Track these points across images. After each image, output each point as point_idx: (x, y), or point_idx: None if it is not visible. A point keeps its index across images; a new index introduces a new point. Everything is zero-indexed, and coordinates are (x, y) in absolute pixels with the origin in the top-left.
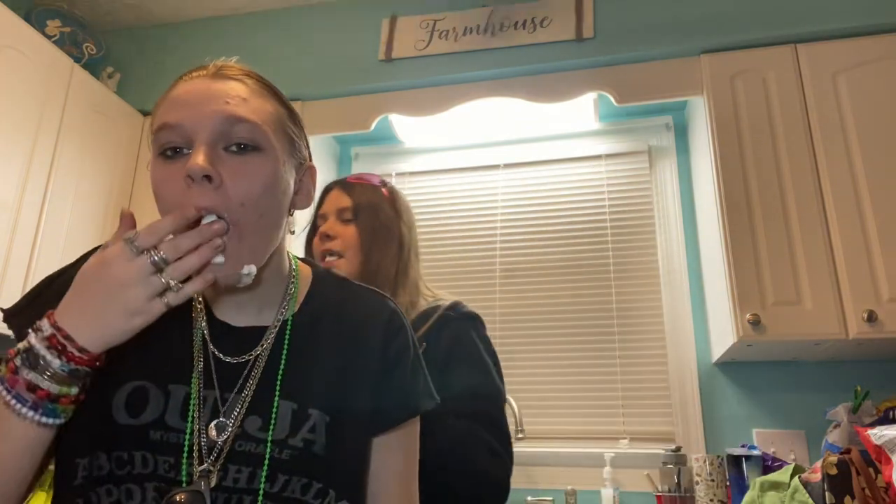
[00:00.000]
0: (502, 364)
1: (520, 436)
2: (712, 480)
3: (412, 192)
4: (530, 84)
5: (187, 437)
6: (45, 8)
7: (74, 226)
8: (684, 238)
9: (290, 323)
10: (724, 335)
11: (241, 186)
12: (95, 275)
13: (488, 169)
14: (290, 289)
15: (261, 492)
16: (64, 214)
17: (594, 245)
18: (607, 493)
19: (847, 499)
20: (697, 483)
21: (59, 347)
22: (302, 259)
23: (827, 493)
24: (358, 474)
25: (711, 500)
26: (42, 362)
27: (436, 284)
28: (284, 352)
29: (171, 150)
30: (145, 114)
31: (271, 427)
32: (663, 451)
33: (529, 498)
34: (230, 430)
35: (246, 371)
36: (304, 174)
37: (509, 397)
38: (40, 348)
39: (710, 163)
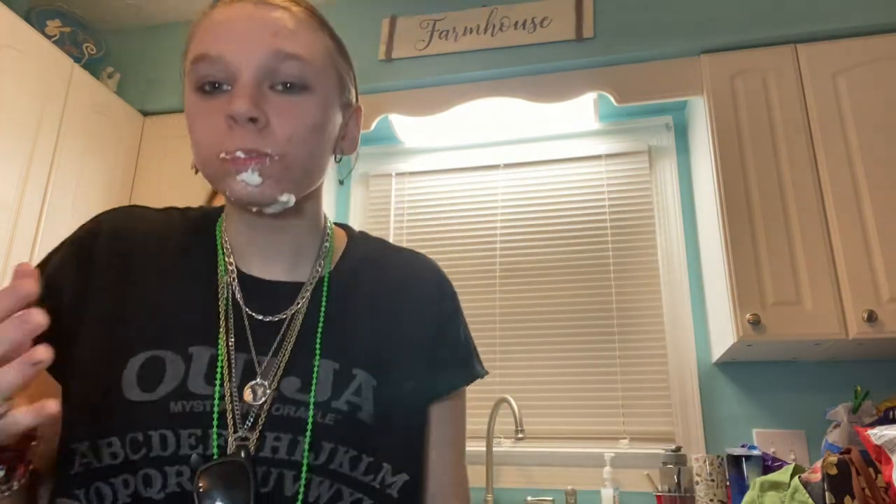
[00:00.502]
0: (503, 364)
1: (520, 436)
2: (712, 480)
3: (412, 192)
4: (530, 84)
5: (216, 401)
6: (45, 8)
7: (74, 226)
8: (684, 238)
9: (327, 279)
10: (724, 335)
11: (288, 127)
12: None
13: (488, 169)
14: (326, 244)
15: (305, 461)
16: (64, 214)
17: (594, 245)
18: (607, 493)
19: (847, 499)
20: (697, 483)
21: None
22: (335, 223)
23: (827, 493)
24: (415, 444)
25: (711, 500)
26: None
27: None
28: (323, 308)
29: (209, 85)
30: (145, 114)
31: (312, 387)
32: (663, 451)
33: (529, 498)
34: (267, 392)
35: (282, 330)
36: (350, 117)
37: (508, 397)
38: None
39: (710, 163)
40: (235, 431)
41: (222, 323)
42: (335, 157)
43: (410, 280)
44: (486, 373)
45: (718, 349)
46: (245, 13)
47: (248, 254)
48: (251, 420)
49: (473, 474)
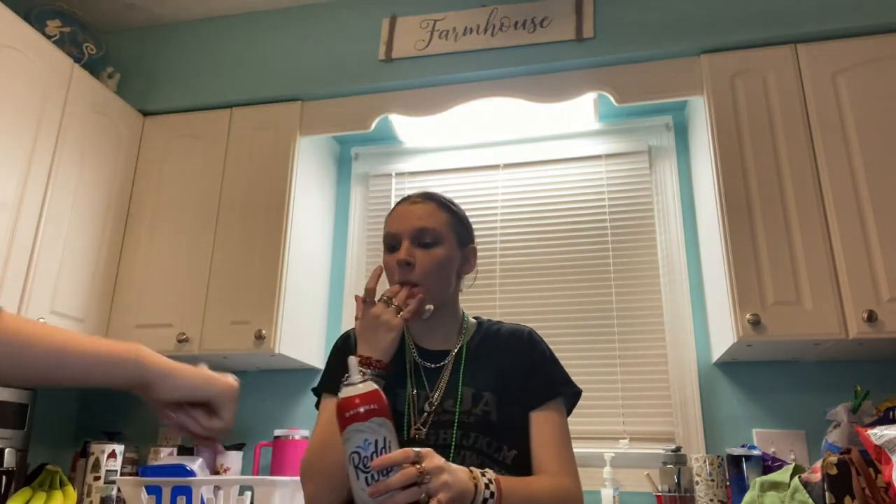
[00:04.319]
0: None
1: None
2: (712, 480)
3: (412, 191)
4: (530, 84)
5: (405, 416)
6: (45, 8)
7: (74, 226)
8: (684, 238)
9: (465, 345)
10: (724, 335)
11: (427, 266)
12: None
13: (488, 169)
14: (464, 326)
15: (453, 442)
16: (64, 214)
17: (594, 245)
18: (607, 493)
19: (847, 499)
20: (697, 483)
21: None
22: (473, 316)
23: (827, 493)
24: (522, 435)
25: (711, 500)
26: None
27: None
28: (463, 360)
29: (391, 248)
30: (145, 114)
31: (458, 402)
32: (663, 451)
33: None
34: (434, 408)
35: (441, 374)
36: (467, 253)
37: None
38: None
39: (710, 163)
40: (418, 429)
41: (409, 373)
42: (460, 278)
43: (513, 341)
44: (573, 392)
45: (718, 349)
46: (405, 209)
47: (421, 334)
48: (428, 423)
49: None
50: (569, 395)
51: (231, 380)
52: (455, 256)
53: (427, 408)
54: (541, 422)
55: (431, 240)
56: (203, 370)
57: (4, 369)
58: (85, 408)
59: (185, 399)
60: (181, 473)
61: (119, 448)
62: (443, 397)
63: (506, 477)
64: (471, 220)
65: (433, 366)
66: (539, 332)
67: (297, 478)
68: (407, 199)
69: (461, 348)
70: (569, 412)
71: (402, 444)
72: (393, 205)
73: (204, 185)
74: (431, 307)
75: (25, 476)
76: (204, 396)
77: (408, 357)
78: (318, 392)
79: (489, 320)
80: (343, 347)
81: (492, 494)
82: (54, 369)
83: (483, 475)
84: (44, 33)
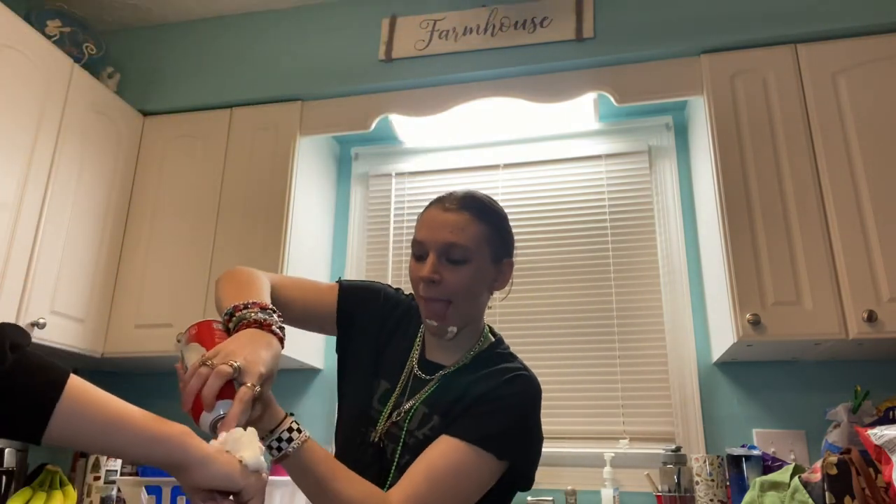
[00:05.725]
0: None
1: None
2: (712, 480)
3: (412, 192)
4: (530, 84)
5: (382, 418)
6: (45, 8)
7: (74, 226)
8: (684, 238)
9: (458, 365)
10: (724, 335)
11: (454, 285)
12: None
13: (488, 169)
14: (475, 349)
15: (395, 459)
16: (64, 214)
17: (594, 245)
18: (607, 493)
19: (847, 499)
20: (697, 483)
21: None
22: (495, 333)
23: (827, 493)
24: None
25: (711, 500)
26: None
27: None
28: (443, 380)
29: (418, 257)
30: (145, 114)
31: (408, 419)
32: (663, 451)
33: (529, 498)
34: (397, 419)
35: (425, 387)
36: (502, 267)
37: None
38: None
39: (710, 163)
40: (380, 436)
41: (403, 377)
42: (491, 293)
43: (491, 375)
44: (505, 457)
45: (718, 349)
46: (437, 216)
47: (431, 346)
48: (385, 429)
49: None
50: (500, 454)
51: (262, 474)
52: (486, 274)
53: (395, 417)
54: (438, 446)
55: (460, 257)
56: (238, 461)
57: (56, 430)
58: None
59: (219, 488)
60: None
61: None
62: (406, 411)
63: (325, 451)
64: None
65: (425, 377)
66: (539, 332)
67: None
68: (441, 202)
69: (452, 369)
70: (518, 485)
71: (364, 447)
72: (392, 197)
73: (204, 185)
74: (454, 329)
75: (25, 476)
76: (236, 487)
77: (410, 362)
78: (341, 281)
79: (505, 349)
80: (391, 302)
81: (289, 440)
82: (101, 436)
83: (298, 425)
84: (44, 33)
